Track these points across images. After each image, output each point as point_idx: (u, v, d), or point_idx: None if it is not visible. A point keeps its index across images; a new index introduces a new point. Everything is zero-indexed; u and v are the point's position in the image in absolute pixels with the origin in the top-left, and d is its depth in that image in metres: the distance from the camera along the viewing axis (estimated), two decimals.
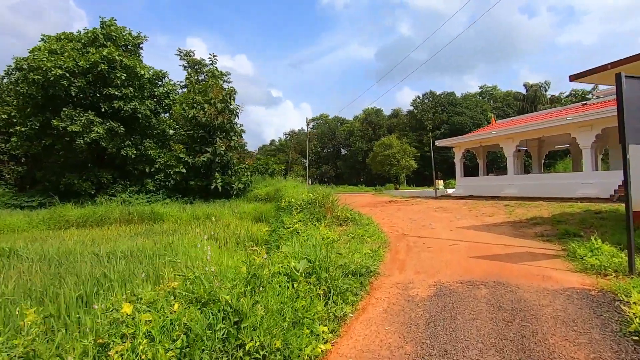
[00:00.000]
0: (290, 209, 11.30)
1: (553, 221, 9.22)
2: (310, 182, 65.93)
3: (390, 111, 70.22)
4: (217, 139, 20.68)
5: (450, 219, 11.32)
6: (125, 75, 18.23)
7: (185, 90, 23.80)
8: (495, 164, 41.66)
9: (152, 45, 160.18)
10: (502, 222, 10.13)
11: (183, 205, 18.35)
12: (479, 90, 66.69)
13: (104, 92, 18.23)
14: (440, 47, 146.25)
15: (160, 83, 21.49)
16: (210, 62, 23.66)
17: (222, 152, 20.33)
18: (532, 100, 53.62)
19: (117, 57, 17.80)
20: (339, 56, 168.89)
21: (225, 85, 22.65)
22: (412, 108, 62.82)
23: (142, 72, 18.99)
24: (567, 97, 54.96)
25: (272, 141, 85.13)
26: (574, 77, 7.77)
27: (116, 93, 18.09)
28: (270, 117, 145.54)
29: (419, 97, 62.06)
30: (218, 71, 23.62)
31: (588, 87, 57.50)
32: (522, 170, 23.39)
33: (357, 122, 71.69)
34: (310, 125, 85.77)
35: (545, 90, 55.68)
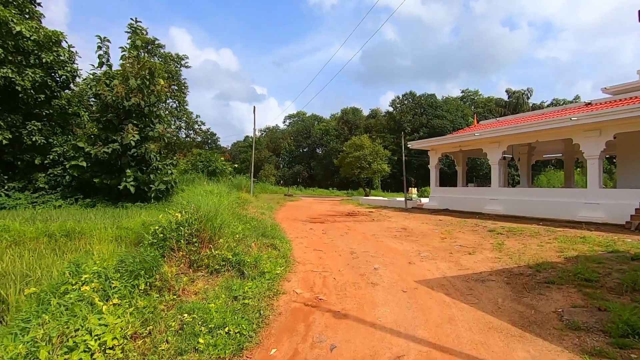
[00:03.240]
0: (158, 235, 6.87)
1: (576, 277, 5.37)
2: (282, 183, 61.06)
3: (369, 111, 66.50)
4: (129, 125, 15.88)
5: (411, 257, 7.32)
6: None
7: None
8: (475, 173, 38.62)
9: None
10: (490, 270, 6.24)
11: (72, 211, 13.55)
12: (461, 95, 64.09)
13: None
14: (423, 54, 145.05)
15: (56, 49, 16.39)
16: (133, 28, 18.54)
17: (134, 143, 15.56)
18: (514, 107, 51.35)
19: None
20: (324, 57, 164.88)
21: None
22: (391, 109, 59.24)
23: (20, 28, 13.93)
24: (548, 105, 53.09)
25: (247, 137, 79.61)
26: None
27: None
28: (252, 115, 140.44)
29: (398, 97, 58.43)
30: (144, 39, 18.54)
31: (570, 96, 55.93)
32: (507, 182, 19.90)
33: (334, 120, 67.55)
34: (287, 122, 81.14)
35: (528, 98, 53.62)
